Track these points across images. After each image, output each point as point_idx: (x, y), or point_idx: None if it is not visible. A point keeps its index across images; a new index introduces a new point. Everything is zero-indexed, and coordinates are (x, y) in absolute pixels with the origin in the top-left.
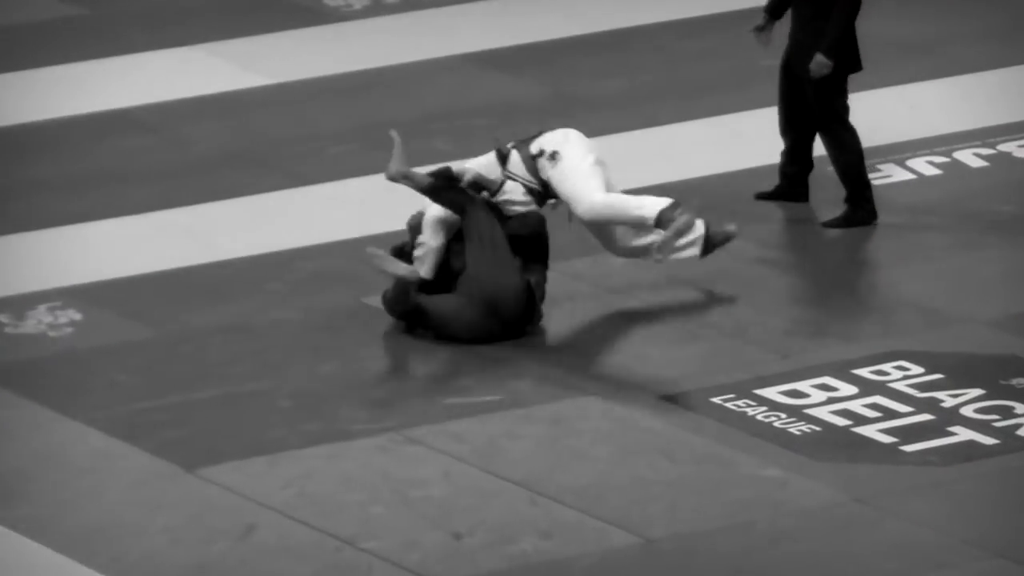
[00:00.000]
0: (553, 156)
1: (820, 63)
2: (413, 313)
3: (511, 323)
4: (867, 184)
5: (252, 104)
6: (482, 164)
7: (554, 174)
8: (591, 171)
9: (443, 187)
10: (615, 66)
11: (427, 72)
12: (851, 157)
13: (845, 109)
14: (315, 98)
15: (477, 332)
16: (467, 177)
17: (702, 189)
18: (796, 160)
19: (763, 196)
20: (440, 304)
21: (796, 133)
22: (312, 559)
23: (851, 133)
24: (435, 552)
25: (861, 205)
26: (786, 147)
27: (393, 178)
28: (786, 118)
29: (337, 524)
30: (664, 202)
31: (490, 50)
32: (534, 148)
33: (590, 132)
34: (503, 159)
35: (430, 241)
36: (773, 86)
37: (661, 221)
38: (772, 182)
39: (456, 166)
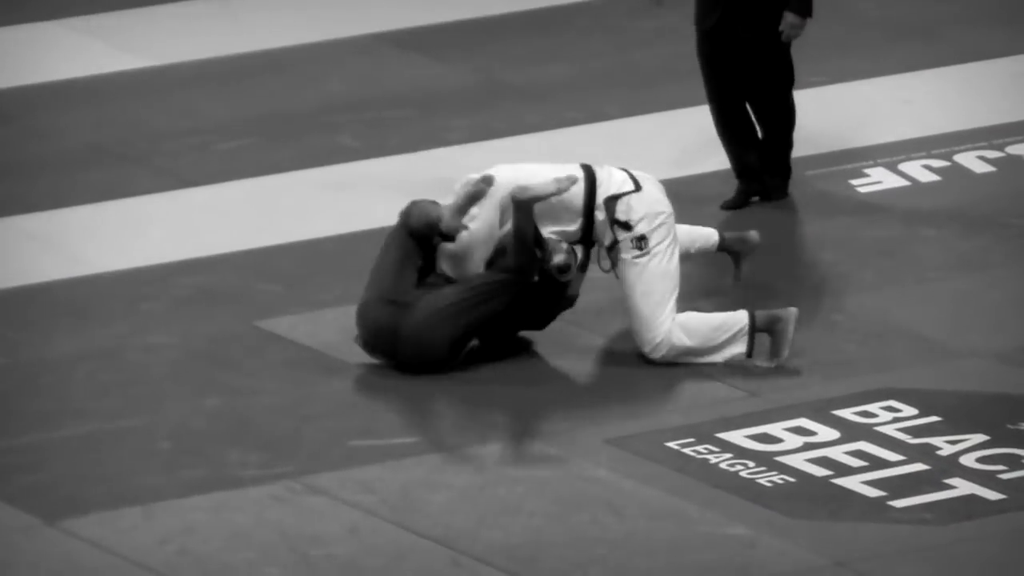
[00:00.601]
0: (641, 244)
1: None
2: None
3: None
4: (790, 168)
5: (124, 90)
6: (550, 182)
7: (631, 271)
8: (671, 287)
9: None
10: (556, 49)
11: (332, 54)
12: (790, 132)
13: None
14: (199, 84)
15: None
16: (554, 257)
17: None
18: (752, 145)
19: (730, 206)
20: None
21: (737, 117)
22: None
23: (794, 105)
24: None
25: (783, 181)
26: (731, 137)
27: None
28: (719, 101)
29: None
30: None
31: (408, 29)
32: (621, 209)
33: (527, 127)
34: (591, 187)
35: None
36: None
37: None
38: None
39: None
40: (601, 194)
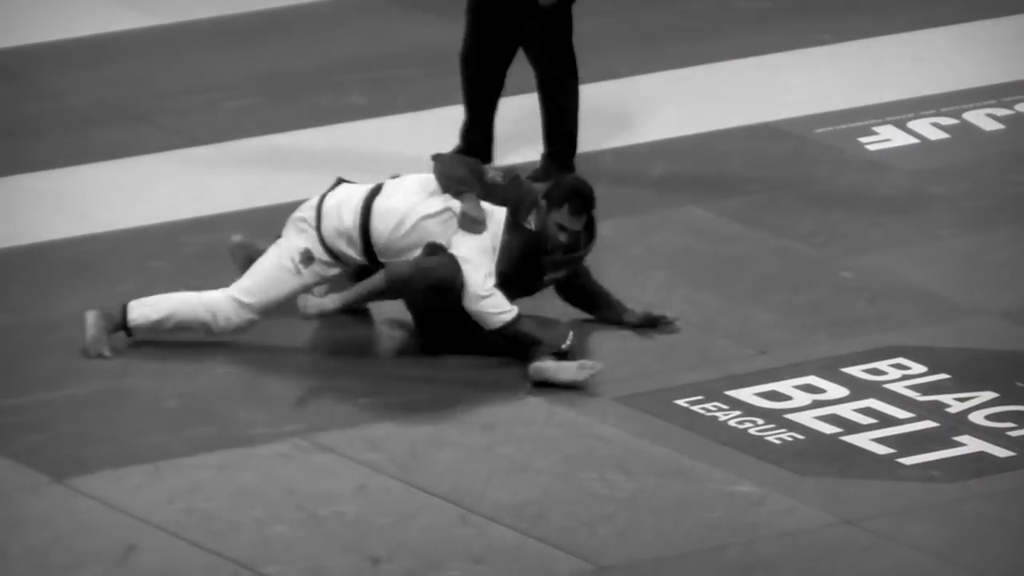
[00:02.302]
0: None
1: None
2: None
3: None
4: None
5: (131, 49)
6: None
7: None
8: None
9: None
10: None
11: (339, 13)
12: (575, 111)
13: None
14: (207, 43)
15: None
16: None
17: (666, 153)
18: (486, 123)
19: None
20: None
21: (493, 86)
22: None
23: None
24: None
25: (567, 164)
26: (477, 110)
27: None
28: (485, 70)
29: (232, 546)
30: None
31: None
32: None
33: (533, 85)
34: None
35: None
36: (757, 32)
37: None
38: (752, 145)
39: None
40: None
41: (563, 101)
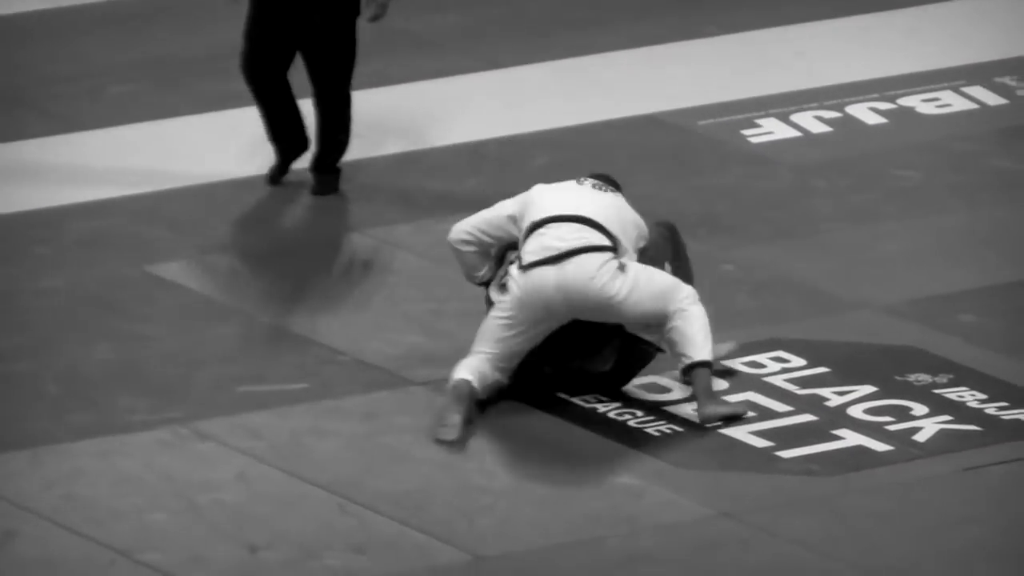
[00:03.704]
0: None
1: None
2: None
3: None
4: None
5: (15, 33)
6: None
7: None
8: None
9: None
10: None
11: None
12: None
13: None
14: (91, 28)
15: None
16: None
17: (551, 143)
18: (295, 126)
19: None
20: None
21: (283, 87)
22: (80, 574)
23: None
24: (226, 568)
25: (335, 175)
26: (279, 114)
27: None
28: (271, 72)
29: (111, 533)
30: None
31: None
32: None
33: (420, 75)
34: None
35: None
36: (643, 23)
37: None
38: (636, 136)
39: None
40: None
41: (347, 118)
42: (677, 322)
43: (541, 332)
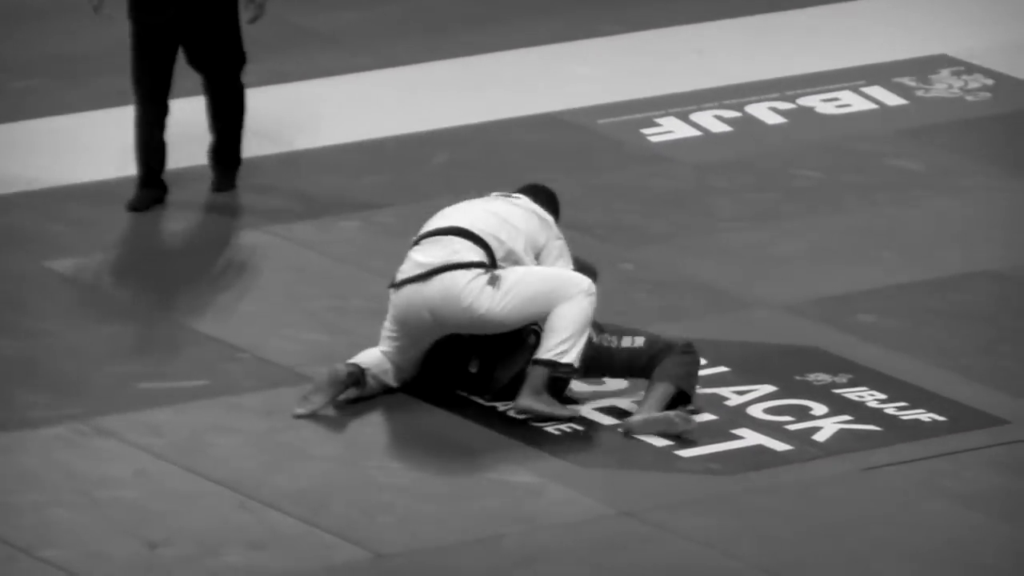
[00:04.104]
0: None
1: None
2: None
3: None
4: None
5: None
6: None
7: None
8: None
9: None
10: None
11: None
12: (243, 117)
13: None
14: None
15: None
16: None
17: (451, 141)
18: (162, 129)
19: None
20: None
21: (165, 87)
22: None
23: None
24: (125, 564)
25: (236, 168)
26: (155, 113)
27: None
28: (159, 70)
29: (10, 529)
30: None
31: None
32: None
33: (318, 72)
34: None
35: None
36: (543, 21)
37: None
38: (536, 135)
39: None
40: None
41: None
42: (557, 310)
43: (427, 343)
